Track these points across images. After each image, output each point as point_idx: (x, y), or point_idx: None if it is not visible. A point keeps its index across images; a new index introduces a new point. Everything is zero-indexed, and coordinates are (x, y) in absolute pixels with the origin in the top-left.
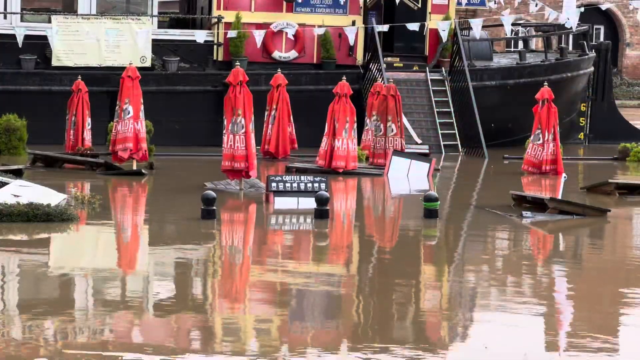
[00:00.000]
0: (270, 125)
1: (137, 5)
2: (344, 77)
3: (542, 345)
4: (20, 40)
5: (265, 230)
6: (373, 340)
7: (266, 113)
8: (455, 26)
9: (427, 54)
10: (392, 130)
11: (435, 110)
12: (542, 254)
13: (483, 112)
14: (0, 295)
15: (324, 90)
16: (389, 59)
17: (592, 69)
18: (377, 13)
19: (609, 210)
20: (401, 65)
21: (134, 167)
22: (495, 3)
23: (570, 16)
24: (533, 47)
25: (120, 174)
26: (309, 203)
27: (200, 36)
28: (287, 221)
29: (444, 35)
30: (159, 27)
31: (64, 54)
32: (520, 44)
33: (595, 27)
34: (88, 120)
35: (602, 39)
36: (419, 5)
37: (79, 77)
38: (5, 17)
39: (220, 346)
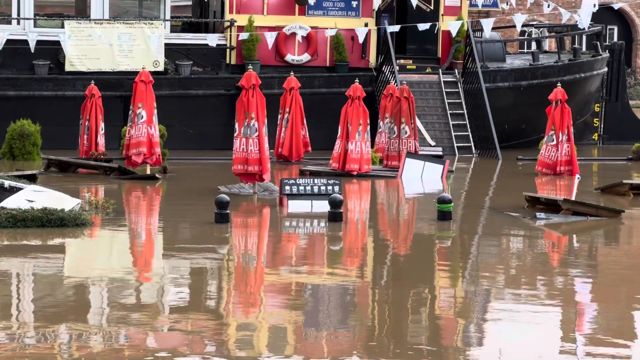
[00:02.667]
0: (283, 129)
1: (150, 9)
2: (357, 80)
3: (557, 349)
4: (33, 45)
5: (279, 234)
6: (388, 345)
7: (279, 116)
8: (467, 27)
9: (439, 56)
10: (406, 133)
11: (449, 112)
12: (556, 256)
13: (496, 113)
14: (16, 301)
15: (337, 93)
16: (402, 61)
17: (605, 69)
18: (390, 15)
19: (623, 211)
20: (414, 67)
21: (148, 172)
22: (507, 5)
23: (583, 16)
24: (546, 48)
25: (134, 178)
26: (323, 206)
27: (212, 40)
28: (300, 224)
29: (455, 32)
30: (172, 31)
31: (77, 59)
32: (534, 45)
33: (608, 27)
34: (101, 125)
35: (615, 39)
36: (432, 7)
37: (92, 82)
38: (18, 23)
39: (233, 351)
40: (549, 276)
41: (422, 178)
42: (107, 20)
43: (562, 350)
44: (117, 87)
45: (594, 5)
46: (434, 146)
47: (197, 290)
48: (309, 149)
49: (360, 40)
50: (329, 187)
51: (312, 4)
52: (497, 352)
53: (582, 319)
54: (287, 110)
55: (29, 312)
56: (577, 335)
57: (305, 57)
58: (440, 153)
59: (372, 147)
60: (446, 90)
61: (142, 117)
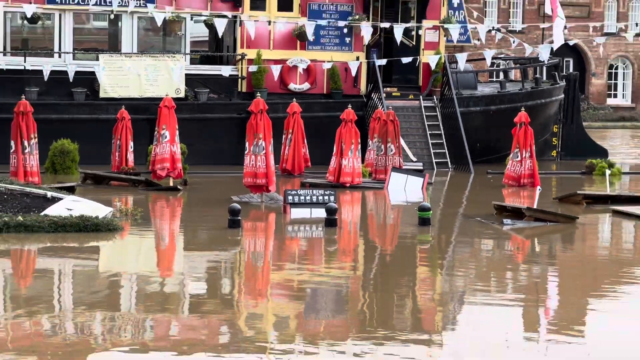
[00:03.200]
0: (287, 147)
1: (172, 44)
2: (350, 105)
3: (521, 333)
4: (72, 75)
5: (283, 237)
6: (376, 329)
7: (283, 136)
8: (444, 60)
9: (420, 85)
10: (391, 150)
11: (428, 132)
12: (520, 255)
13: (469, 133)
14: (57, 295)
15: (332, 117)
16: (388, 89)
17: (562, 95)
18: (378, 50)
19: (577, 218)
20: (399, 94)
21: (171, 184)
22: (478, 40)
23: (543, 51)
24: (512, 77)
25: (159, 189)
26: (320, 213)
27: (226, 71)
28: (301, 229)
29: (433, 64)
30: (191, 63)
31: (109, 87)
32: (501, 75)
33: (565, 59)
34: (131, 143)
35: (571, 69)
36: (414, 43)
37: (123, 107)
38: (59, 56)
39: (243, 338)
40: (514, 271)
41: (405, 189)
42: (136, 54)
43: (525, 337)
44: (144, 111)
45: (553, 42)
46: (415, 162)
47: (212, 283)
48: (309, 164)
49: (353, 71)
50: (326, 197)
51: (311, 40)
52: (469, 335)
53: (543, 307)
54: (290, 131)
55: (69, 301)
56: (539, 320)
57: (306, 86)
58: (421, 168)
59: (362, 162)
60: (426, 114)
61: (165, 137)
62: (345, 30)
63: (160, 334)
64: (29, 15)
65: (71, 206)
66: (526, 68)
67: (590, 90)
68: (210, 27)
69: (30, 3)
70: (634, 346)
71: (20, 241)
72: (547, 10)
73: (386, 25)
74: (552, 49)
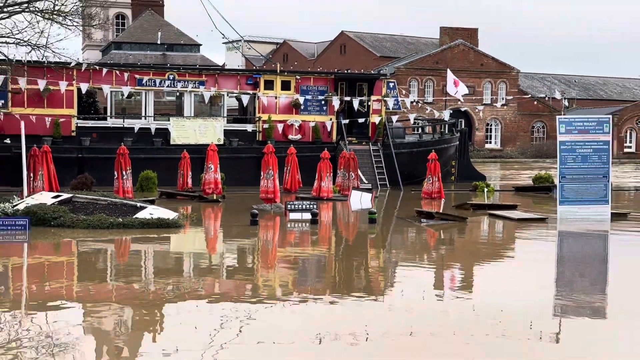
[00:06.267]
0: (287, 174)
1: (215, 111)
2: (326, 149)
3: (433, 296)
4: (153, 130)
5: (284, 231)
6: (342, 286)
7: (285, 168)
8: (384, 120)
9: (370, 135)
10: (352, 177)
11: (374, 165)
12: (432, 240)
13: (399, 166)
14: (144, 267)
15: (315, 156)
16: (349, 138)
17: (457, 142)
18: (343, 114)
19: (467, 218)
20: (356, 141)
21: (214, 197)
22: (405, 108)
23: (445, 114)
24: (427, 131)
25: (207, 201)
26: (308, 216)
27: (249, 127)
28: (296, 225)
29: (378, 122)
30: (227, 122)
31: (177, 137)
32: (420, 129)
33: (459, 119)
34: (190, 172)
35: (463, 126)
36: (365, 109)
37: (185, 150)
38: (145, 118)
39: (260, 291)
40: (429, 250)
41: (360, 201)
42: (193, 117)
43: (437, 295)
44: (198, 152)
45: (450, 110)
46: (366, 184)
47: (240, 258)
48: (301, 185)
49: (328, 127)
50: (311, 205)
51: (302, 107)
52: (400, 289)
53: (448, 271)
54: (289, 165)
55: (150, 270)
56: (444, 280)
57: (298, 137)
58: (370, 187)
59: (333, 184)
60: (373, 154)
61: (211, 168)
62: (323, 102)
63: (208, 290)
64: (125, 93)
65: (152, 212)
66: (435, 125)
67: (474, 139)
68: (239, 100)
69: (127, 85)
70: (508, 296)
71: (120, 234)
72: (449, 89)
73: (348, 98)
74: (451, 112)
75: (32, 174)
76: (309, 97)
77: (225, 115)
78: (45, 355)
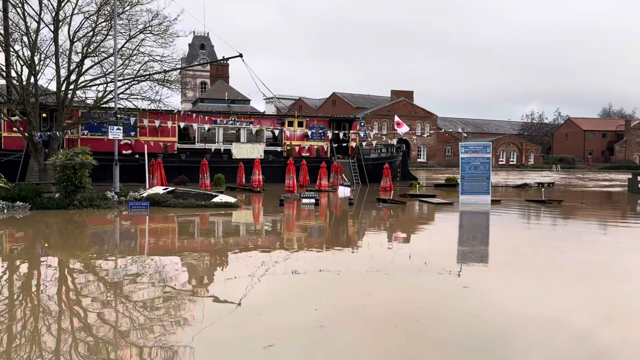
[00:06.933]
0: (301, 176)
1: (259, 138)
2: (323, 161)
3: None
4: (222, 149)
5: (300, 209)
6: (329, 244)
7: (299, 173)
8: (358, 145)
9: (350, 154)
10: (339, 177)
11: (352, 171)
12: (386, 214)
13: (367, 172)
14: (216, 230)
15: (317, 165)
16: (338, 155)
17: (401, 158)
18: (333, 141)
19: (406, 202)
20: (342, 157)
21: (258, 190)
22: (370, 137)
23: (395, 141)
24: (383, 151)
25: (253, 192)
26: (313, 200)
27: (279, 148)
28: (306, 207)
29: (354, 146)
30: (266, 146)
31: (237, 154)
32: (379, 150)
33: (403, 144)
34: (244, 175)
35: (404, 148)
36: (347, 138)
37: (241, 161)
38: (217, 143)
39: (277, 244)
40: (384, 222)
41: (344, 192)
42: (246, 142)
43: (388, 247)
44: (249, 163)
45: (397, 139)
46: (347, 182)
47: (273, 226)
48: (309, 182)
49: (325, 149)
50: (315, 194)
51: (310, 137)
52: (368, 247)
53: (394, 235)
54: (302, 171)
55: (219, 233)
56: (392, 241)
57: (307, 154)
58: (350, 184)
59: (328, 181)
60: (352, 164)
61: (256, 173)
62: (322, 134)
63: (254, 243)
64: (206, 128)
65: (223, 198)
66: (388, 148)
67: (411, 156)
68: (273, 133)
69: (207, 124)
70: (430, 248)
71: (202, 211)
72: (396, 127)
73: (337, 132)
74: (397, 140)
75: (151, 175)
76: (314, 131)
77: (264, 141)
78: (159, 281)
